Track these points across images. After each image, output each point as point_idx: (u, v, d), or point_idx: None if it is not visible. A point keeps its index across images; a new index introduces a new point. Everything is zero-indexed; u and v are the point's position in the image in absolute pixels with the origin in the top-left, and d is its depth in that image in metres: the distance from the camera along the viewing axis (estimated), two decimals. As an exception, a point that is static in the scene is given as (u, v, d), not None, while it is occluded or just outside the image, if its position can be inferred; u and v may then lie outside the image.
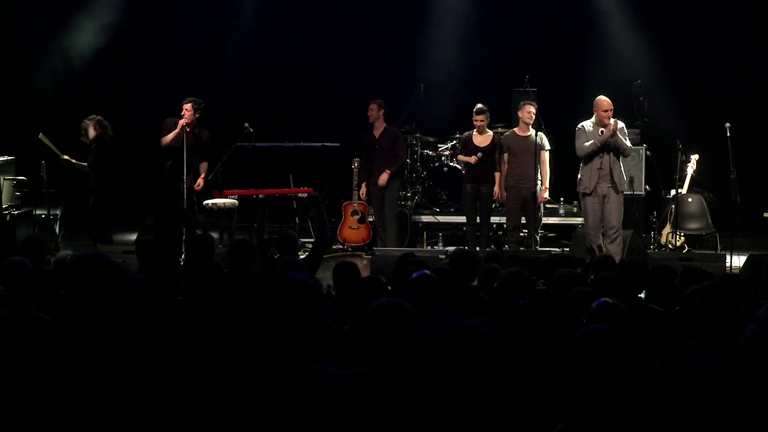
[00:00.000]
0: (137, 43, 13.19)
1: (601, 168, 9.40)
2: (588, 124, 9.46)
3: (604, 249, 9.24)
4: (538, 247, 9.97)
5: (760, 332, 3.20)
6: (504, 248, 9.51)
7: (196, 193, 10.02)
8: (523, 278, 4.87)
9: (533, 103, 10.04)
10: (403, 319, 3.16)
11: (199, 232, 9.80)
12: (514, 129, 10.19)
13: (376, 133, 10.67)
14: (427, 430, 2.49)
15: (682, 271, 5.78)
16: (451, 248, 9.47)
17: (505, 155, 10.14)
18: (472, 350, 2.45)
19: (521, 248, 9.81)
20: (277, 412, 2.91)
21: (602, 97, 9.43)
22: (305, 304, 2.96)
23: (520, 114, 10.10)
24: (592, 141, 9.36)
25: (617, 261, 8.18)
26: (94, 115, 9.95)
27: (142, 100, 12.60)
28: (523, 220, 10.19)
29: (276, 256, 7.80)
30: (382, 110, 10.61)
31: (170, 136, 9.71)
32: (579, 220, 11.40)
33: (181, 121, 9.65)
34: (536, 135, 9.87)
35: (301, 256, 7.76)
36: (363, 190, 10.86)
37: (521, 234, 10.27)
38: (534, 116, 9.91)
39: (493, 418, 2.68)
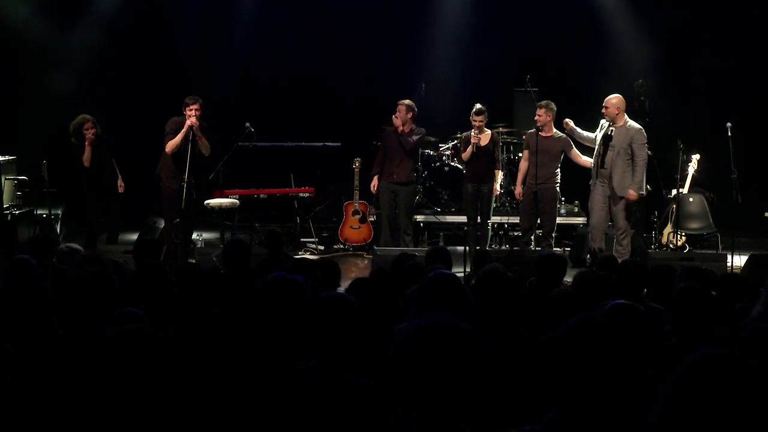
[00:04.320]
0: (138, 43, 13.20)
1: (603, 167, 9.43)
2: (604, 121, 9.54)
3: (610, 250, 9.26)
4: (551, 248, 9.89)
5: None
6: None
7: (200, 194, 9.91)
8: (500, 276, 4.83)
9: (542, 104, 9.97)
10: (346, 313, 3.10)
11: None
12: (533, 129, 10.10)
13: (401, 131, 10.49)
14: (412, 428, 2.50)
15: (680, 270, 5.79)
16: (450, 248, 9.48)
17: (525, 152, 10.14)
18: (457, 349, 2.47)
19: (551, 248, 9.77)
20: (262, 410, 2.92)
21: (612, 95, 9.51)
22: (292, 304, 2.97)
23: None
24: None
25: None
26: (88, 116, 9.96)
27: (143, 100, 12.61)
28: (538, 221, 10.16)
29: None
30: (410, 113, 10.53)
31: (177, 140, 9.34)
32: (581, 220, 11.42)
33: (188, 122, 9.27)
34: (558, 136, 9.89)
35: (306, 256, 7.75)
36: (375, 183, 10.62)
37: (535, 234, 10.24)
38: (541, 118, 9.85)
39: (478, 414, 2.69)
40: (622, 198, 9.35)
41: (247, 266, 5.87)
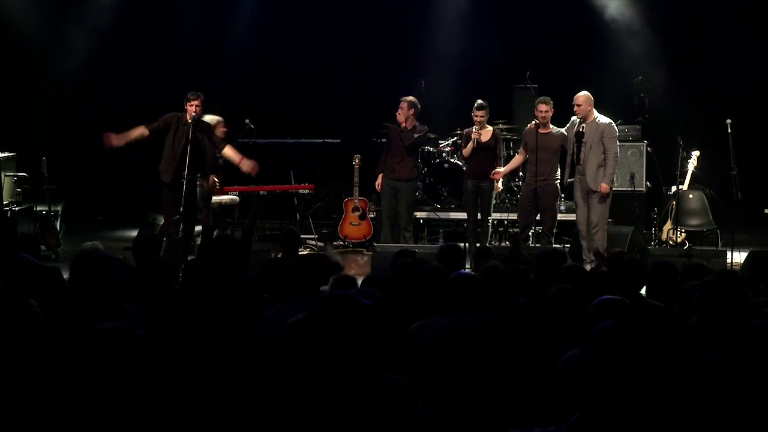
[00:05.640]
0: (139, 40, 13.19)
1: (578, 164, 9.44)
2: (575, 118, 9.55)
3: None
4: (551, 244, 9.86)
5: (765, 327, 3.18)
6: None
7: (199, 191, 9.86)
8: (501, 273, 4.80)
9: (544, 100, 9.92)
10: (354, 314, 3.10)
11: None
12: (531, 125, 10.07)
13: (404, 128, 10.49)
14: (429, 416, 2.52)
15: (683, 267, 5.79)
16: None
17: (522, 149, 10.15)
18: (479, 347, 2.48)
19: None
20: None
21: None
22: (349, 321, 2.99)
23: (535, 112, 9.99)
24: None
25: (593, 259, 8.26)
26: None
27: (143, 97, 12.60)
28: (538, 218, 10.16)
29: (279, 254, 7.84)
30: (412, 109, 10.52)
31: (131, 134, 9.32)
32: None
33: (190, 108, 9.11)
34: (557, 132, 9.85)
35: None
36: (379, 181, 10.59)
37: (534, 231, 10.25)
38: (546, 114, 9.77)
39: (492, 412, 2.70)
40: (596, 192, 9.36)
41: (239, 262, 5.83)
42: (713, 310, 4.00)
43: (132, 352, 2.69)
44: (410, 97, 10.55)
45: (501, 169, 10.23)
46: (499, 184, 10.53)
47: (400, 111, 10.45)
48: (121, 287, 4.03)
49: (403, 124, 10.43)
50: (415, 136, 10.48)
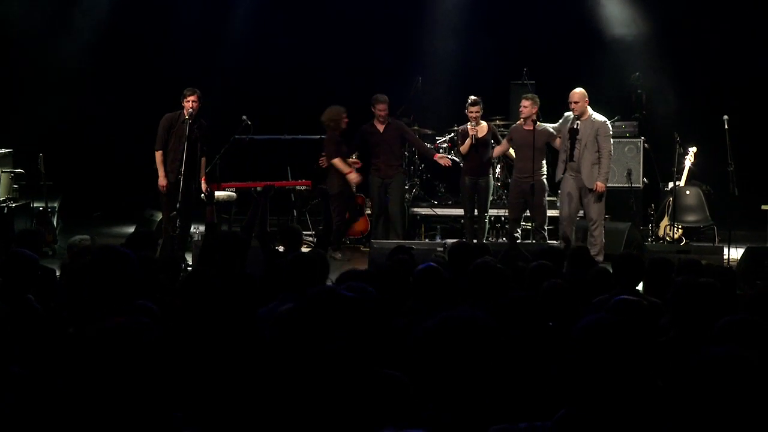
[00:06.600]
0: (136, 36, 13.17)
1: (572, 160, 9.45)
2: (569, 113, 9.55)
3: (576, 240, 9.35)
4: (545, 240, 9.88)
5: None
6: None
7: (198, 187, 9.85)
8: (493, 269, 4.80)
9: (528, 96, 9.96)
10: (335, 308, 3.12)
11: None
12: (519, 122, 10.11)
13: (380, 127, 10.54)
14: (428, 417, 2.52)
15: (678, 264, 5.80)
16: (449, 241, 9.50)
17: (504, 141, 10.19)
18: (474, 342, 2.48)
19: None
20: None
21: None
22: (332, 314, 3.01)
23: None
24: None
25: (594, 254, 8.29)
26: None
27: (140, 93, 12.59)
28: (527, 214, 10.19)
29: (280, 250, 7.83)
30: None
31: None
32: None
33: (187, 104, 9.30)
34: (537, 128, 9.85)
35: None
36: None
37: (522, 227, 10.27)
38: (527, 109, 9.80)
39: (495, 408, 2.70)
40: (591, 191, 9.37)
41: (240, 260, 5.82)
42: (684, 312, 3.98)
43: (141, 350, 2.64)
44: (383, 96, 10.50)
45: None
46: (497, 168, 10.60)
47: (380, 112, 10.42)
48: (137, 285, 4.00)
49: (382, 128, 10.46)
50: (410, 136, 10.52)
